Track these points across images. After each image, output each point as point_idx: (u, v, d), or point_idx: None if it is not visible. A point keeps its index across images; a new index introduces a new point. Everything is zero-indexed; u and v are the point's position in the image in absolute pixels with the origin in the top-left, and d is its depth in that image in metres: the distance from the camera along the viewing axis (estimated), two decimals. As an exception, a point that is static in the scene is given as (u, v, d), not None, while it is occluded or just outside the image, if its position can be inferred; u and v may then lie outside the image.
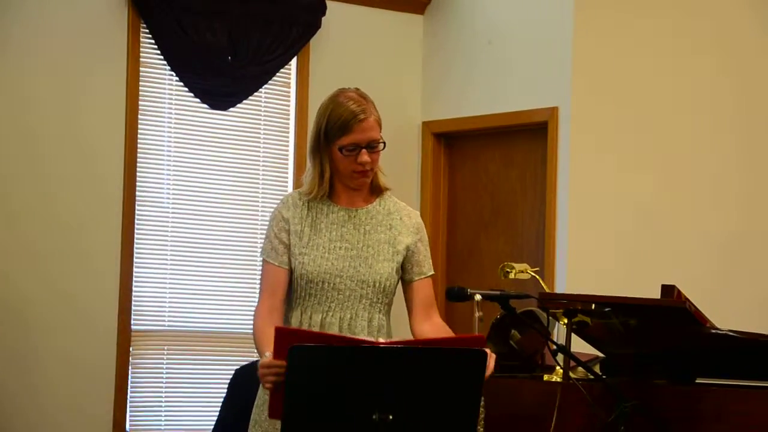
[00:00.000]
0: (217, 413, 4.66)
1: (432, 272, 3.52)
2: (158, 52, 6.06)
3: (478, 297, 3.59)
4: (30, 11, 5.74)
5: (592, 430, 3.68)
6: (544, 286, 4.55)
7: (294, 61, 6.46)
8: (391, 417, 2.87)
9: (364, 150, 3.36)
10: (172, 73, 6.10)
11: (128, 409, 5.92)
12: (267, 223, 3.52)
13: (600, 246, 6.02)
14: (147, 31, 6.02)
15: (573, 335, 3.87)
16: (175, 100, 6.15)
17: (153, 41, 6.05)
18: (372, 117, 3.36)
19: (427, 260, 3.50)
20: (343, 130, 3.35)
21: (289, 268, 3.42)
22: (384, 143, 3.41)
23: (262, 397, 3.40)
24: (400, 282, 3.49)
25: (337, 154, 3.37)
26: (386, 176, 3.52)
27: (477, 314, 3.57)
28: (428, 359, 2.95)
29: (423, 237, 3.51)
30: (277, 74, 6.37)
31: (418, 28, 6.83)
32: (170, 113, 6.13)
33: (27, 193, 5.73)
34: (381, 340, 3.22)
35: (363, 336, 3.32)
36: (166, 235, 6.10)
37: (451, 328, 3.47)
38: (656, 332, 3.84)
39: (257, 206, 6.34)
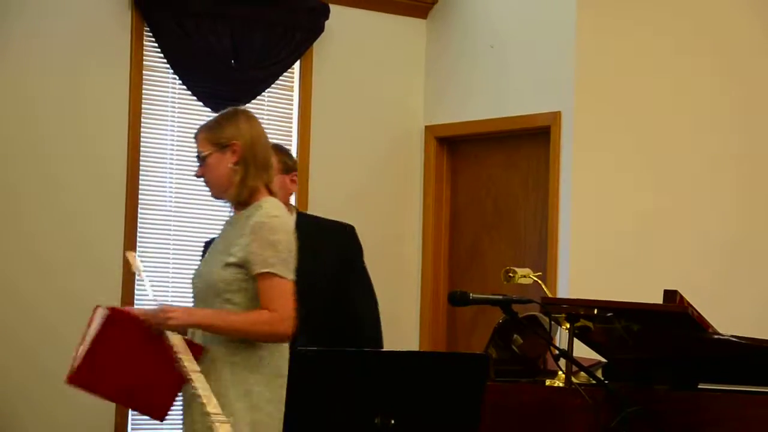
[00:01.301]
0: None
1: (264, 270, 3.43)
2: (161, 55, 6.06)
3: (131, 257, 3.83)
4: (33, 14, 5.74)
5: (594, 435, 3.68)
6: (547, 291, 4.56)
7: (297, 65, 6.46)
8: (393, 421, 2.88)
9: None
10: (175, 76, 6.11)
11: (130, 412, 5.91)
12: None
13: (602, 250, 6.02)
14: (150, 34, 6.02)
15: (575, 340, 3.88)
16: (178, 103, 6.15)
17: (156, 44, 6.05)
18: (200, 134, 3.61)
19: (259, 258, 3.45)
20: None
21: None
22: (204, 157, 3.57)
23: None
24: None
25: None
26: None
27: (135, 269, 3.82)
28: (430, 364, 2.95)
29: (258, 236, 3.47)
30: (280, 78, 6.37)
31: (421, 32, 6.83)
32: (173, 116, 6.13)
33: (31, 195, 5.73)
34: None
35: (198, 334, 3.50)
36: (169, 239, 6.10)
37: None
38: (658, 337, 3.85)
39: (260, 210, 6.33)
